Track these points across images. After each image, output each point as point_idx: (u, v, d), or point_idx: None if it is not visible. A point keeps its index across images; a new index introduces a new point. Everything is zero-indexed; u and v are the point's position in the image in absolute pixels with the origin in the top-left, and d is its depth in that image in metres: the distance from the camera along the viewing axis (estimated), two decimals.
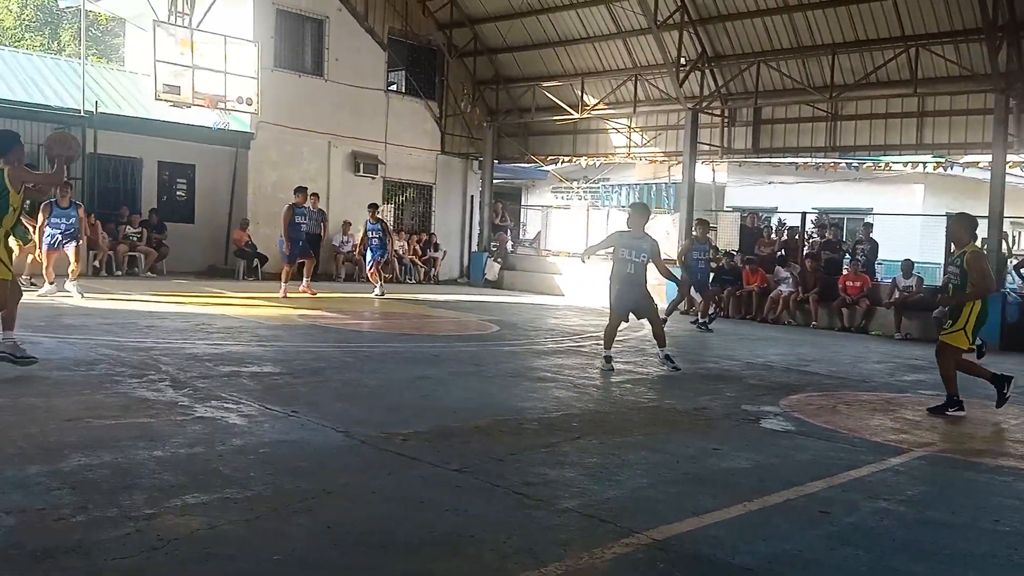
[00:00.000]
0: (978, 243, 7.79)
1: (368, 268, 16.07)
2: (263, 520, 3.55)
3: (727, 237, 18.81)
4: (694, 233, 14.45)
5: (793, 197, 21.62)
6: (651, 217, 8.98)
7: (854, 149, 17.30)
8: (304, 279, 14.02)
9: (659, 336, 8.50)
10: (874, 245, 15.65)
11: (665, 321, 10.39)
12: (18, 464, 4.02)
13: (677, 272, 11.42)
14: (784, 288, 15.55)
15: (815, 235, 16.83)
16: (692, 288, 13.30)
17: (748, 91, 17.49)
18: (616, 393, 7.25)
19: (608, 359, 8.28)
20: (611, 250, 8.51)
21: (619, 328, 8.51)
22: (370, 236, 15.60)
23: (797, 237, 16.87)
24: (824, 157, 18.28)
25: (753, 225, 17.94)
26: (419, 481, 4.29)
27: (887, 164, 19.14)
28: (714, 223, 19.87)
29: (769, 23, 16.59)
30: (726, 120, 18.79)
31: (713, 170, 22.04)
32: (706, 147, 18.76)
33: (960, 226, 7.20)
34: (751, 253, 16.58)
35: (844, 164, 19.31)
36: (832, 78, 15.80)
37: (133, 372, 6.50)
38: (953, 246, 7.96)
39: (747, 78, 17.42)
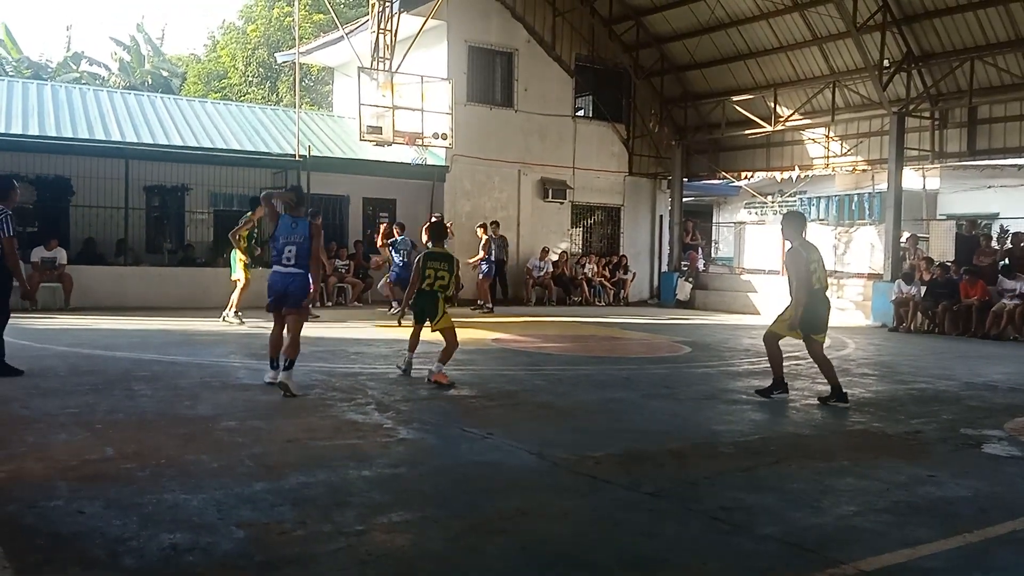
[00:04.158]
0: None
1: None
2: (462, 538, 3.70)
3: (941, 247, 17.41)
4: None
5: (1017, 201, 19.74)
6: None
7: None
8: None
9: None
10: None
11: None
12: (246, 481, 4.42)
13: None
14: (1008, 301, 14.21)
15: None
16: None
17: (961, 90, 16.23)
18: (818, 416, 6.91)
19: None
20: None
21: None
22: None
23: (1023, 245, 15.39)
24: None
25: (970, 233, 16.57)
26: (612, 503, 4.30)
27: None
28: (925, 232, 18.59)
29: (983, 16, 15.39)
30: (936, 122, 17.52)
31: (923, 176, 20.56)
32: (914, 152, 17.55)
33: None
34: (969, 264, 15.29)
35: None
36: None
37: (343, 396, 6.97)
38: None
39: (960, 76, 16.20)
